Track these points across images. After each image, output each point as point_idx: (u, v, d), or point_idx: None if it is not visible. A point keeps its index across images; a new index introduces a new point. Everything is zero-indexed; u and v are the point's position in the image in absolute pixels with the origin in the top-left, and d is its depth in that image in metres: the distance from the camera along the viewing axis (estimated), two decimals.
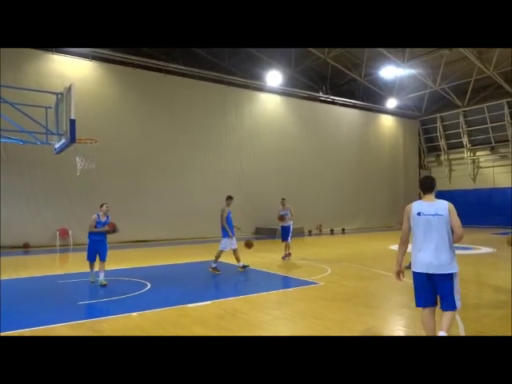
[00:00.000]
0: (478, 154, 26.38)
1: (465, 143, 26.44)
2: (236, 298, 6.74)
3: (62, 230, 15.62)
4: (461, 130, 26.27)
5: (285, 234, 11.66)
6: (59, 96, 9.16)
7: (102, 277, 7.66)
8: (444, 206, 3.92)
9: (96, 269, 7.89)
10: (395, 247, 13.64)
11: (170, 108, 18.19)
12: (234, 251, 9.50)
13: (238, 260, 9.57)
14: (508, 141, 24.36)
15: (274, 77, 21.01)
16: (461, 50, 19.72)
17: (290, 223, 11.69)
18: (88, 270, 8.08)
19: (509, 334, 4.73)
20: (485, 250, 13.37)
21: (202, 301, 6.38)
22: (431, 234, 3.89)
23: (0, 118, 8.69)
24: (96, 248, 7.77)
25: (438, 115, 26.97)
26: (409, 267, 9.86)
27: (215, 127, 19.63)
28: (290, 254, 11.55)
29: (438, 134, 27.56)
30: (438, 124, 27.27)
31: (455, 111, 25.73)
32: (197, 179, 18.87)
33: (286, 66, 22.29)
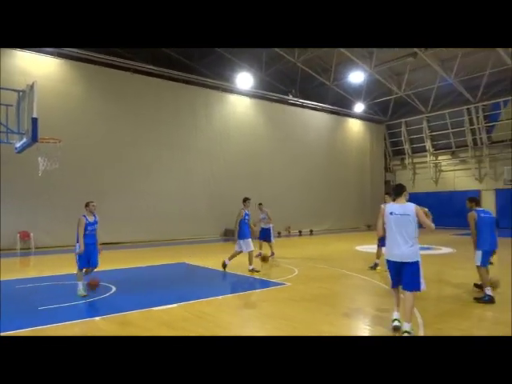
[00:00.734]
0: (439, 158, 27.44)
1: (428, 148, 27.44)
2: (203, 300, 6.68)
3: (22, 232, 14.99)
4: (424, 134, 27.24)
5: (266, 235, 12.12)
6: (21, 94, 8.81)
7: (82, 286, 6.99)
8: (411, 208, 4.85)
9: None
10: (362, 248, 13.96)
11: (138, 108, 17.84)
12: (249, 254, 9.53)
13: (249, 263, 9.50)
14: (467, 146, 25.48)
15: (245, 79, 21.07)
16: (424, 57, 20.49)
17: (270, 225, 12.20)
18: (54, 273, 7.76)
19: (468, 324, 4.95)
20: (445, 250, 13.92)
21: (169, 304, 6.30)
22: (400, 230, 4.81)
23: None
24: (88, 253, 7.03)
25: (402, 120, 27.87)
26: (373, 267, 10.14)
27: (184, 128, 19.44)
28: (273, 253, 12.02)
29: (403, 138, 28.47)
30: (403, 129, 28.17)
31: (419, 117, 26.67)
32: (164, 180, 18.61)
33: (256, 68, 22.40)
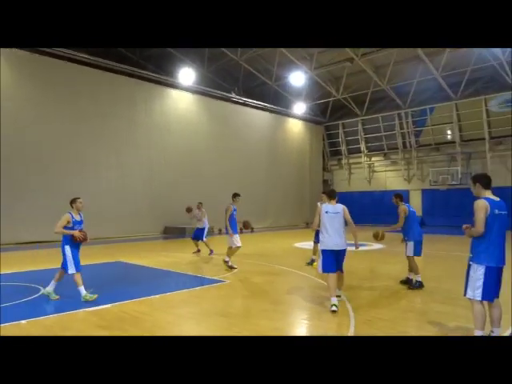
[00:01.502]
0: (373, 159, 29.01)
1: (362, 149, 28.87)
2: (139, 300, 6.50)
3: None
4: (359, 136, 28.63)
5: (198, 234, 12.36)
6: None
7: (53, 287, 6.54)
8: (340, 208, 6.08)
9: (56, 280, 6.56)
10: (300, 244, 14.38)
11: (71, 98, 16.84)
12: (236, 249, 9.48)
13: (228, 256, 9.46)
14: (398, 148, 27.20)
15: (187, 74, 20.72)
16: (360, 63, 21.53)
17: (206, 226, 12.43)
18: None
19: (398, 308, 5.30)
20: (376, 246, 14.75)
21: (102, 304, 6.04)
22: (334, 225, 5.94)
23: None
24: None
25: (340, 122, 29.07)
26: (310, 263, 10.46)
27: (122, 122, 18.69)
28: (199, 250, 12.24)
29: (340, 139, 29.70)
30: (340, 130, 29.39)
31: (355, 119, 27.97)
32: (100, 176, 17.79)
33: (199, 64, 22.15)
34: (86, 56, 17.13)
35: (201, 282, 8.44)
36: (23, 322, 5.18)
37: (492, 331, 4.20)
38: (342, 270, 6.17)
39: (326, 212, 5.99)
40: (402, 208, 7.32)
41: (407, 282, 7.38)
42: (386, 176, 28.35)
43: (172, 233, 19.56)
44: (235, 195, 9.95)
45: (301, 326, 5.45)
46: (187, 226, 18.42)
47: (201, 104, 22.34)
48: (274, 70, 23.50)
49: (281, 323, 5.35)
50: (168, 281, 8.57)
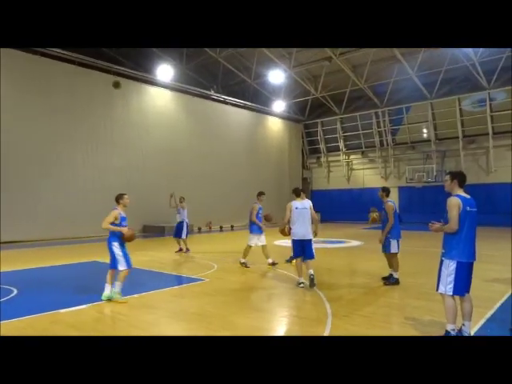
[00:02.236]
0: (351, 157, 29.40)
1: (341, 147, 29.21)
2: (116, 300, 6.39)
3: None
4: (338, 135, 28.95)
5: (178, 230, 12.14)
6: None
7: (119, 288, 6.20)
8: (308, 203, 7.42)
9: (110, 281, 6.24)
10: (279, 242, 14.45)
11: (44, 93, 16.39)
12: (263, 247, 9.36)
13: (266, 257, 9.33)
14: (375, 147, 27.64)
15: (165, 71, 20.48)
16: (338, 62, 21.75)
17: (185, 220, 12.08)
18: None
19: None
20: (355, 243, 14.96)
21: (78, 305, 5.91)
22: (303, 218, 7.09)
23: None
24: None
25: (318, 120, 29.32)
26: (289, 261, 10.53)
27: (99, 119, 18.34)
28: (181, 249, 12.13)
29: (319, 137, 29.97)
30: (319, 128, 29.65)
31: (333, 118, 28.28)
32: (77, 175, 17.42)
33: (177, 61, 21.93)
34: (61, 51, 16.71)
35: (180, 280, 8.37)
36: None
37: (463, 325, 4.32)
38: (312, 256, 7.13)
39: (296, 208, 7.13)
40: (390, 206, 7.28)
41: (389, 279, 7.49)
42: (364, 174, 28.78)
43: (151, 231, 19.35)
44: (260, 194, 9.98)
45: (279, 324, 5.47)
46: (166, 225, 18.25)
47: (179, 101, 22.14)
48: (253, 67, 23.50)
49: (259, 321, 5.36)
50: (147, 280, 8.45)
